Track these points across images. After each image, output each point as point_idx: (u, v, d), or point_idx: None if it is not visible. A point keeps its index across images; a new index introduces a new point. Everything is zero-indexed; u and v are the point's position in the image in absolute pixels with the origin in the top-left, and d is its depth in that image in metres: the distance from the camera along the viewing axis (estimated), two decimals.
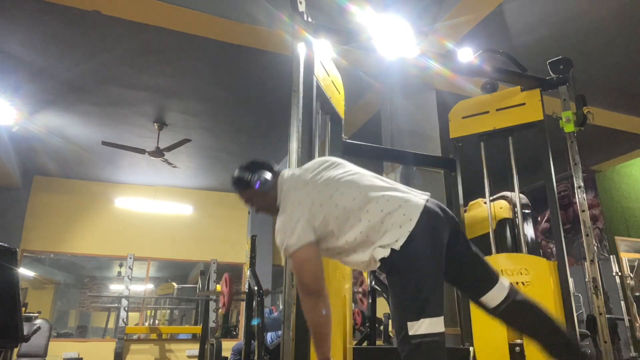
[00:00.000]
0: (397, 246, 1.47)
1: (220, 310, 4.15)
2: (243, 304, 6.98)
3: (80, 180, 7.95)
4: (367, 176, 1.69)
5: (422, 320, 1.40)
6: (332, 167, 1.73)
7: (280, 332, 3.83)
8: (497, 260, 2.69)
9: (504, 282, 1.67)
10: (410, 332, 1.40)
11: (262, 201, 1.76)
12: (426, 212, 1.53)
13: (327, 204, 1.59)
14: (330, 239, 1.61)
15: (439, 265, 1.50)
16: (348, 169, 1.73)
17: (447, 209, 1.66)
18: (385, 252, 1.49)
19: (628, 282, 5.66)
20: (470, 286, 1.74)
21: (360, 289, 4.43)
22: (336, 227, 1.58)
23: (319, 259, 1.60)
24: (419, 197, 1.60)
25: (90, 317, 9.44)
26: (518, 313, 1.67)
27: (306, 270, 1.56)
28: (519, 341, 2.52)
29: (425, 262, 1.47)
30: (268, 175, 1.72)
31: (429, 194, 1.66)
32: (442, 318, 1.45)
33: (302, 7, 2.35)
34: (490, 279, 1.66)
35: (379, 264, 1.53)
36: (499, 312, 1.66)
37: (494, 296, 1.64)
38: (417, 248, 1.47)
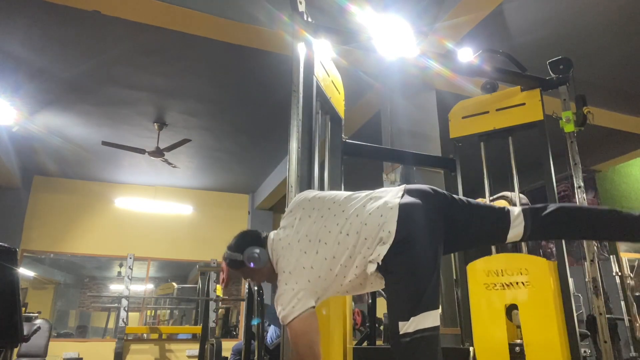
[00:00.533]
0: (380, 260, 1.49)
1: (221, 284, 4.18)
2: (243, 304, 6.98)
3: (80, 180, 7.95)
4: (339, 204, 1.67)
5: (412, 319, 1.41)
6: (309, 213, 1.70)
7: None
8: (497, 260, 2.69)
9: (515, 212, 1.65)
10: (401, 331, 1.41)
11: (261, 275, 1.76)
12: (403, 215, 1.51)
13: (318, 261, 1.59)
14: (336, 285, 1.61)
15: (430, 264, 1.49)
16: (322, 207, 1.69)
17: (427, 189, 1.63)
18: (373, 267, 1.51)
19: (628, 282, 5.65)
20: (490, 237, 1.77)
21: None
22: (337, 275, 1.59)
23: (316, 329, 1.58)
24: (392, 200, 1.57)
25: (90, 317, 9.43)
26: (547, 228, 1.66)
27: (302, 343, 1.54)
28: (519, 341, 2.52)
29: (414, 266, 1.47)
30: (258, 250, 1.69)
31: (403, 186, 1.62)
32: (436, 311, 1.45)
33: (302, 7, 2.35)
34: (502, 220, 1.66)
35: (377, 277, 1.54)
36: (528, 237, 1.66)
37: (516, 232, 1.64)
38: (404, 254, 1.48)
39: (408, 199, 1.57)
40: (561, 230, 1.72)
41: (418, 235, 1.51)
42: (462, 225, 1.64)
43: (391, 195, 1.60)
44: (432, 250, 1.52)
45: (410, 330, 1.40)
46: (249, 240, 1.74)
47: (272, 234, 1.75)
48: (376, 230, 1.52)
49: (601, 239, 1.66)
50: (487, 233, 1.72)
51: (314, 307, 1.56)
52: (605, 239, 1.70)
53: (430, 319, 1.42)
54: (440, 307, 1.51)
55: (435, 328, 1.43)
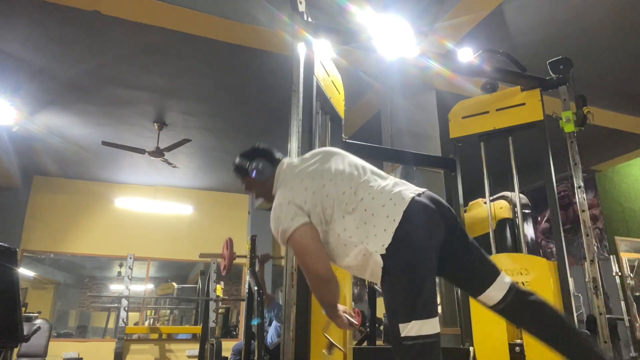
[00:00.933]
0: (383, 251, 1.45)
1: (222, 269, 4.20)
2: (243, 304, 6.98)
3: (80, 180, 7.95)
4: (362, 170, 1.65)
5: (413, 322, 1.39)
6: (330, 158, 1.70)
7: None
8: (497, 260, 2.68)
9: (505, 279, 1.62)
10: (402, 334, 1.39)
11: (260, 188, 1.77)
12: (413, 209, 1.48)
13: (319, 193, 1.57)
14: (321, 230, 1.57)
15: (429, 265, 1.47)
16: (346, 161, 1.69)
17: (445, 203, 1.61)
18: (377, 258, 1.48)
19: (628, 282, 5.65)
20: (468, 283, 1.70)
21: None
22: (325, 219, 1.56)
23: (318, 238, 1.55)
24: (408, 193, 1.54)
25: (90, 317, 9.43)
26: (521, 312, 1.63)
27: (309, 252, 1.52)
28: (519, 341, 2.52)
29: (413, 263, 1.44)
30: (266, 164, 1.72)
31: (424, 190, 1.61)
32: (435, 319, 1.43)
33: (302, 7, 2.34)
34: (489, 276, 1.62)
35: (379, 272, 1.49)
36: (499, 310, 1.63)
37: (493, 294, 1.61)
38: (404, 250, 1.45)
39: (425, 197, 1.56)
40: (532, 323, 1.66)
41: (423, 233, 1.48)
42: (452, 253, 1.59)
43: (411, 188, 1.59)
44: (430, 255, 1.49)
45: (412, 334, 1.38)
46: (261, 153, 1.77)
47: (286, 160, 1.76)
48: (382, 214, 1.49)
49: (560, 353, 1.61)
50: (470, 276, 1.66)
51: (310, 222, 1.54)
52: (564, 356, 1.60)
53: (430, 325, 1.40)
54: (438, 314, 1.48)
55: (437, 335, 1.42)
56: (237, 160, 1.79)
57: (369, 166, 1.70)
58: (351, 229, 1.52)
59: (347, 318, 1.70)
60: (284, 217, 1.54)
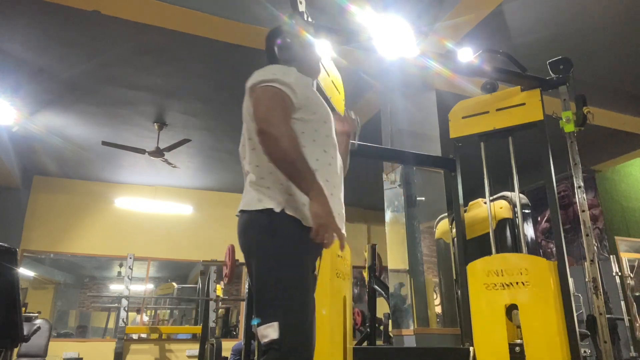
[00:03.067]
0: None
1: (223, 279, 4.19)
2: (243, 304, 6.98)
3: (80, 180, 7.95)
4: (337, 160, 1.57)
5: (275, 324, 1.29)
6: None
7: None
8: (497, 261, 2.69)
9: None
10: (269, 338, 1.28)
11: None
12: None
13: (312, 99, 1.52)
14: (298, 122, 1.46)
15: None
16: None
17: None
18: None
19: (628, 282, 5.66)
20: None
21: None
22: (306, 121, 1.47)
23: (287, 103, 1.43)
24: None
25: (90, 317, 9.43)
26: None
27: (265, 103, 1.41)
28: (519, 341, 2.52)
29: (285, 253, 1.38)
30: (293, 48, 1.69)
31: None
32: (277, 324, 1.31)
33: (302, 7, 2.34)
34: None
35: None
36: None
37: None
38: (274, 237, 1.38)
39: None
40: None
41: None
42: None
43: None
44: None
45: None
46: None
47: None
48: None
49: None
50: None
51: (295, 100, 1.44)
52: None
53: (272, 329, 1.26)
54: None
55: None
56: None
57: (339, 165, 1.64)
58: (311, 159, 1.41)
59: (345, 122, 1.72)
60: (268, 73, 1.48)
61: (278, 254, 1.32)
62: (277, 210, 1.36)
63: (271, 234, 1.34)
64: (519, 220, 2.90)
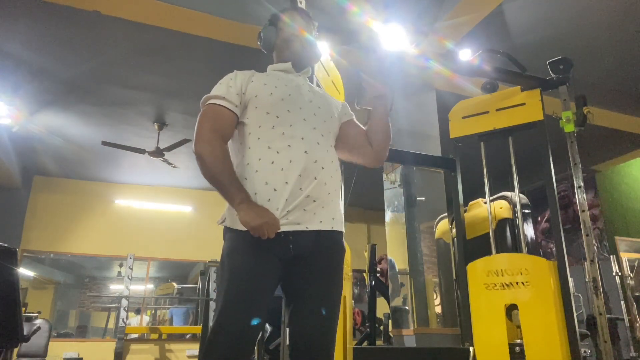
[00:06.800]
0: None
1: None
2: None
3: (80, 180, 7.95)
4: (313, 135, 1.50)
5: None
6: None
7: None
8: (497, 260, 2.69)
9: None
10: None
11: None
12: None
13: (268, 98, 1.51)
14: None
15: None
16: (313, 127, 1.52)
17: None
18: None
19: (628, 282, 5.66)
20: None
21: (379, 268, 4.50)
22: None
23: (222, 118, 1.45)
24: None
25: (90, 317, 9.43)
26: None
27: (196, 127, 1.42)
28: (519, 341, 2.52)
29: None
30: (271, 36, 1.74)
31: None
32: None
33: (302, 7, 2.34)
34: None
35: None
36: None
37: None
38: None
39: None
40: None
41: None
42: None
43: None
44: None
45: None
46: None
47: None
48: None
49: None
50: None
51: (233, 107, 1.47)
52: None
53: None
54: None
55: None
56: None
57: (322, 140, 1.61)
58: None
59: None
60: (217, 87, 1.54)
61: (222, 262, 1.41)
62: (227, 224, 1.44)
63: (225, 246, 1.44)
64: (519, 220, 2.90)
